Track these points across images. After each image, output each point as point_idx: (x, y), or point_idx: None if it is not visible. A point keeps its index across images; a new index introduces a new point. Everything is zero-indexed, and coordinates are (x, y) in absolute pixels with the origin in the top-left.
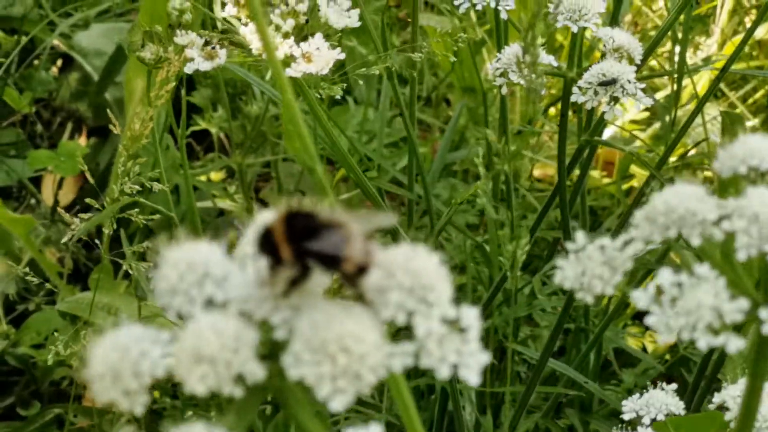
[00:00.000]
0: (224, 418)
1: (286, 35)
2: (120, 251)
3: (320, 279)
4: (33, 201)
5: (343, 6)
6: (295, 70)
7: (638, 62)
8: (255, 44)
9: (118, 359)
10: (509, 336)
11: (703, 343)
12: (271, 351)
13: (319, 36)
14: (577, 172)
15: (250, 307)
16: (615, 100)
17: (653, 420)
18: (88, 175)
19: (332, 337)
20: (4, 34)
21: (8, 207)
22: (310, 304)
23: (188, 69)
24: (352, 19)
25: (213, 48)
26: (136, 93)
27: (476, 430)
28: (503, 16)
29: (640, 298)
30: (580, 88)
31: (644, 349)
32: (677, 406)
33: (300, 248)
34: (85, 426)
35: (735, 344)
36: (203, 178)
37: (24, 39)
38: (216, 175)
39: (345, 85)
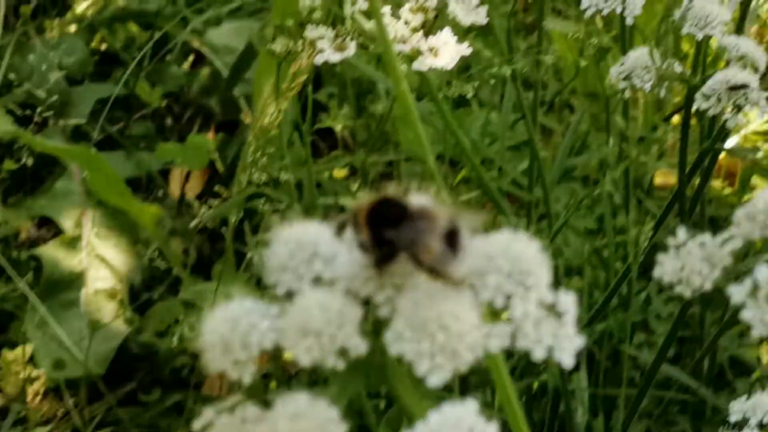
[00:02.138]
0: (327, 389)
1: (414, 30)
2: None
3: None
4: (160, 193)
5: (471, 4)
6: (422, 64)
7: (762, 71)
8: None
9: (228, 330)
10: (625, 340)
11: None
12: (375, 328)
13: (447, 30)
14: (697, 180)
15: (356, 286)
16: (738, 108)
17: (760, 423)
18: (218, 164)
19: (432, 316)
20: (138, 29)
21: (136, 198)
22: (412, 284)
23: (319, 60)
24: (480, 16)
25: (343, 41)
26: (264, 89)
27: (587, 430)
28: (628, 21)
29: (735, 292)
30: (703, 94)
31: (759, 360)
32: None
33: (377, 233)
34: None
35: None
36: (326, 174)
37: (157, 34)
38: (339, 173)
39: (475, 83)
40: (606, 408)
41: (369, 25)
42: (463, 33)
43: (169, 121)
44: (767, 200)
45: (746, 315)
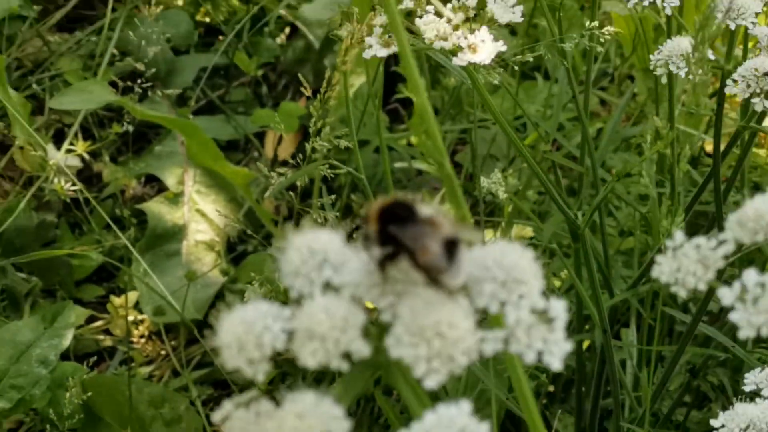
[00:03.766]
0: (333, 389)
1: (456, 27)
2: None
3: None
4: (256, 154)
5: (508, 3)
6: (461, 59)
7: None
8: (428, 34)
9: (243, 332)
10: (668, 300)
11: None
12: (378, 332)
13: (484, 28)
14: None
15: (361, 292)
16: (766, 93)
17: None
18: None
19: (429, 323)
20: (239, 3)
21: (234, 158)
22: (412, 292)
23: (366, 55)
24: (516, 15)
25: (390, 36)
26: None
27: (634, 383)
28: (667, 11)
29: (725, 294)
30: (734, 80)
31: None
32: None
33: (383, 229)
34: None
35: None
36: (404, 141)
37: (255, 8)
38: (415, 139)
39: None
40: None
41: (418, 21)
42: (500, 25)
43: (264, 88)
44: (756, 209)
45: (735, 317)
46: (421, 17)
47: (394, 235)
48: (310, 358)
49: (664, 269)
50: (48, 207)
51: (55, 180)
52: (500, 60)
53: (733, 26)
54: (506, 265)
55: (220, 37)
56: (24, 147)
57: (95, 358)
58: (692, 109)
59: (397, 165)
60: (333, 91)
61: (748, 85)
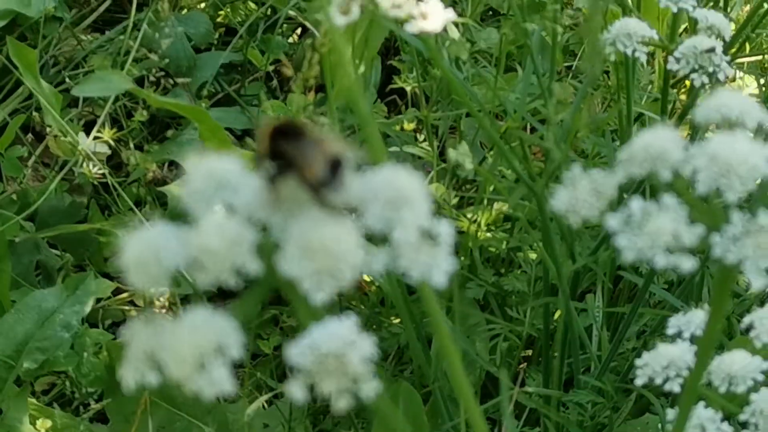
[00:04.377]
0: (228, 306)
1: None
2: None
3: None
4: None
5: None
6: (414, 27)
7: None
8: (384, 3)
9: (144, 250)
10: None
11: (661, 261)
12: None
13: None
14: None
15: (255, 211)
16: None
17: (692, 335)
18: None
19: (315, 239)
20: (255, 6)
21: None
22: (302, 211)
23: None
24: None
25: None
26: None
27: (599, 345)
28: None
29: (611, 221)
30: (675, 58)
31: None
32: None
33: (273, 147)
34: (294, 324)
35: (687, 264)
36: (397, 128)
37: (268, 10)
38: (408, 126)
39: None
40: (613, 324)
41: None
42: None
43: (274, 83)
44: (645, 143)
45: (618, 241)
46: None
47: (282, 150)
48: (203, 275)
49: (561, 199)
50: (80, 190)
51: (84, 165)
52: (476, 51)
53: (675, 9)
54: (394, 186)
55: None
56: (57, 135)
57: (121, 326)
58: (656, 95)
59: (391, 149)
60: (312, 70)
61: (688, 62)
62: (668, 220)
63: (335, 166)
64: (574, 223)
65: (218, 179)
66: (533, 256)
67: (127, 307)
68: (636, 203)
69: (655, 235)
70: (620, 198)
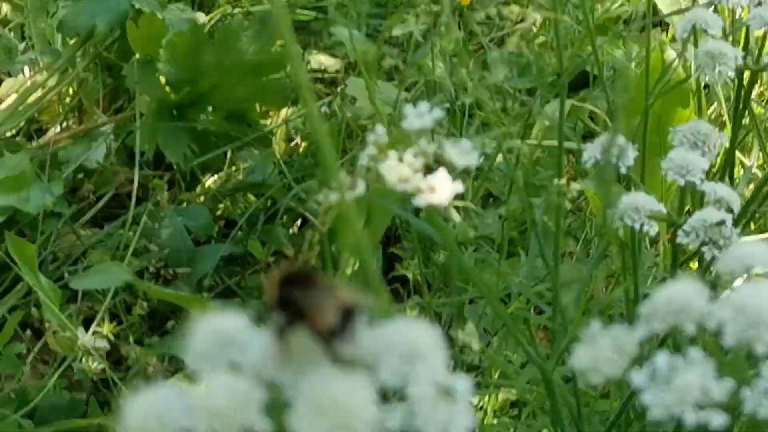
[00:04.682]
0: None
1: (415, 171)
2: None
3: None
4: None
5: (464, 148)
6: (421, 200)
7: (736, 212)
8: (390, 178)
9: (146, 414)
10: None
11: (691, 417)
12: (281, 408)
13: (442, 170)
14: None
15: (263, 369)
16: (713, 242)
17: None
18: None
19: (327, 395)
20: (255, 198)
21: None
22: (312, 366)
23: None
24: (473, 159)
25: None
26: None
27: None
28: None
29: (637, 377)
30: (684, 231)
31: None
32: None
33: (282, 296)
34: None
35: (718, 420)
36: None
37: (268, 202)
38: (411, 313)
39: None
40: None
41: (381, 166)
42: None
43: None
44: (667, 297)
45: (645, 398)
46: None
47: (292, 298)
48: None
49: (582, 357)
50: (79, 387)
51: (84, 361)
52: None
53: (682, 183)
54: (409, 339)
55: (238, 229)
56: (56, 331)
57: None
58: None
59: None
60: (312, 250)
61: (698, 235)
62: (696, 374)
63: (347, 315)
64: (596, 382)
65: (224, 337)
66: None
67: None
68: (662, 358)
69: (684, 390)
70: (642, 356)
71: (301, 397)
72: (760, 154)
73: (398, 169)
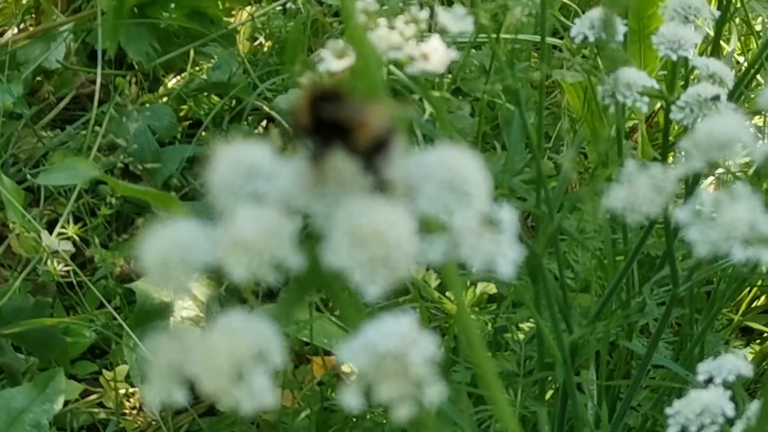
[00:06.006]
0: (268, 307)
1: (407, 38)
2: None
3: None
4: None
5: (458, 14)
6: (415, 68)
7: (729, 87)
8: (381, 46)
9: (168, 249)
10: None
11: (739, 253)
12: (313, 241)
13: (436, 37)
14: None
15: (294, 200)
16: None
17: (724, 381)
18: None
19: (366, 224)
20: (218, 98)
21: None
22: (347, 194)
23: (322, 68)
24: (467, 24)
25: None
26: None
27: (596, 422)
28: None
29: (680, 213)
30: (678, 107)
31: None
32: (747, 369)
33: (317, 113)
34: None
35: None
36: None
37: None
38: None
39: None
40: (611, 399)
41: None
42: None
43: None
44: (709, 130)
45: (690, 234)
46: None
47: (328, 116)
48: (238, 269)
49: (618, 196)
50: (44, 290)
51: (48, 263)
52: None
53: (674, 57)
54: (450, 166)
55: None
56: (20, 233)
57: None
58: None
59: None
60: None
61: (692, 111)
62: (743, 209)
63: (386, 134)
64: (633, 221)
65: (248, 167)
66: (521, 336)
67: (96, 410)
68: (706, 193)
69: (731, 225)
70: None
71: (336, 228)
72: (738, 44)
73: (389, 37)
